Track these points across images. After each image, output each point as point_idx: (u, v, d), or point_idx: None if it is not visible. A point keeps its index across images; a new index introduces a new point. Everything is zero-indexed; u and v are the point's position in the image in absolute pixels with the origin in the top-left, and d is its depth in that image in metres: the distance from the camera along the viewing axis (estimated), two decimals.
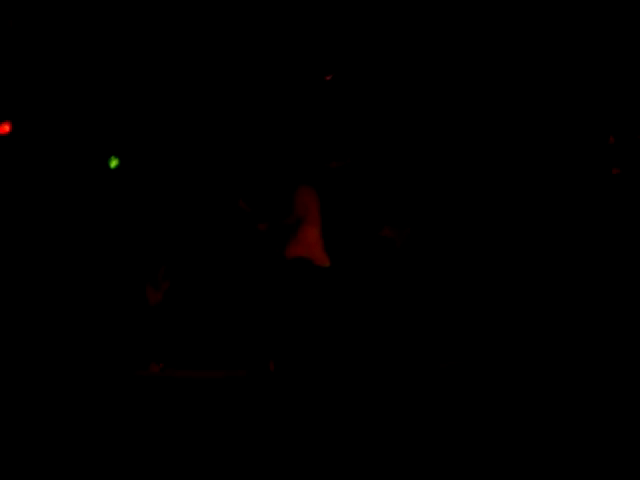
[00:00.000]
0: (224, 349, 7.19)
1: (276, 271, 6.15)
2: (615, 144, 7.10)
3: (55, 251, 7.62)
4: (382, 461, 3.77)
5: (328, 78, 8.26)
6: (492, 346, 6.95)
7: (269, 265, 6.34)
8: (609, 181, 7.13)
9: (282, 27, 7.77)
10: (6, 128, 7.70)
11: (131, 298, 7.19)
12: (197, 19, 7.72)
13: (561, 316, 6.96)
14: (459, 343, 7.07)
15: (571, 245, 7.16)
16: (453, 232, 7.57)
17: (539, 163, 7.39)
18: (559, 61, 7.38)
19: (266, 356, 6.17)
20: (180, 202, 7.73)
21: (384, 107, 7.93)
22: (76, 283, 7.54)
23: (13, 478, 3.59)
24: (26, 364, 6.65)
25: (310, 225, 6.08)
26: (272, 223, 6.24)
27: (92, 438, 4.30)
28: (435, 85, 7.81)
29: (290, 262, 6.01)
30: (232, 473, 3.69)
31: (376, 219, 7.45)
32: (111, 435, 4.36)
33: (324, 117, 7.92)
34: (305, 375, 5.83)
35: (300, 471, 3.66)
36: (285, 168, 7.32)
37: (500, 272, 7.31)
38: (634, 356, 6.16)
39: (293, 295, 5.96)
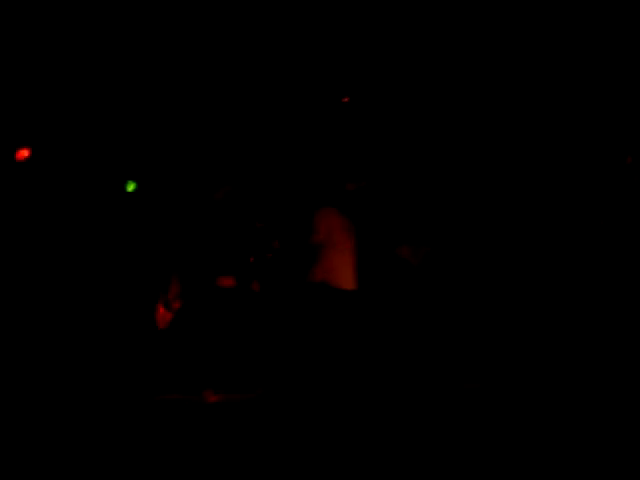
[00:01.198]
0: (235, 373, 7.17)
1: (291, 294, 6.11)
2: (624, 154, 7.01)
3: (66, 269, 7.67)
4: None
5: (346, 100, 8.28)
6: (509, 365, 6.88)
7: (284, 288, 6.30)
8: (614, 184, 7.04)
9: (299, 46, 7.77)
10: (25, 153, 7.79)
11: (142, 318, 7.18)
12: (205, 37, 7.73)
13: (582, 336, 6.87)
14: (477, 363, 7.00)
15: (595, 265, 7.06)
16: (471, 251, 7.52)
17: (550, 181, 7.34)
18: (560, 66, 7.33)
19: (279, 379, 6.14)
20: (193, 219, 7.75)
21: (398, 128, 7.93)
22: (86, 302, 7.57)
23: None
24: (32, 383, 6.66)
25: (334, 249, 5.95)
26: (289, 245, 6.18)
27: (95, 458, 4.31)
28: (449, 107, 7.79)
29: (308, 286, 5.94)
30: None
31: (393, 239, 7.41)
32: (114, 458, 4.36)
33: (340, 139, 7.93)
34: (319, 398, 5.80)
35: None
36: (305, 189, 7.27)
37: (519, 292, 7.24)
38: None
39: (309, 319, 5.91)
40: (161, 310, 7.09)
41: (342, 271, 5.98)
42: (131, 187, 8.34)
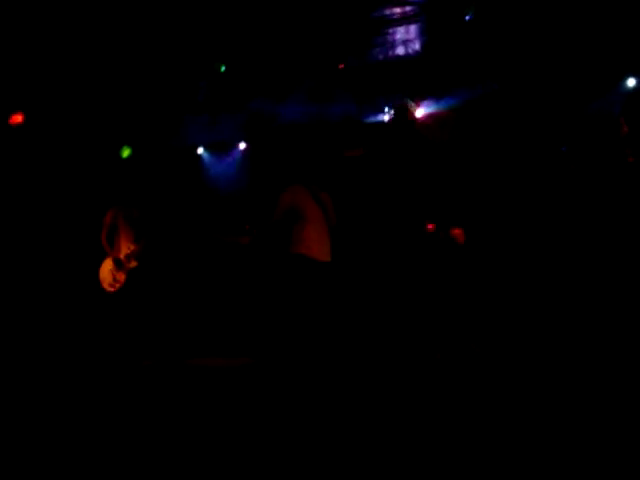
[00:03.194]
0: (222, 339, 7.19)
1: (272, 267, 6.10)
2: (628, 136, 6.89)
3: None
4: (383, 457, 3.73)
5: (341, 66, 8.21)
6: (494, 341, 6.84)
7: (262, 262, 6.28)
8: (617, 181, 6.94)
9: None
10: (19, 118, 7.78)
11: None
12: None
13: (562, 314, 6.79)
14: (462, 338, 6.97)
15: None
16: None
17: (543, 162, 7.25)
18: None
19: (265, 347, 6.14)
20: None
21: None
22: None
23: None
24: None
25: (310, 224, 5.98)
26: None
27: (92, 431, 4.33)
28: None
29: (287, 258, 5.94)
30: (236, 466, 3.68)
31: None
32: (111, 428, 4.38)
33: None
34: (304, 370, 5.80)
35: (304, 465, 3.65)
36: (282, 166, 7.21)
37: (506, 270, 7.17)
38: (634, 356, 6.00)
39: (291, 290, 5.90)
40: (112, 270, 6.78)
41: (318, 245, 6.03)
42: (126, 153, 8.34)
